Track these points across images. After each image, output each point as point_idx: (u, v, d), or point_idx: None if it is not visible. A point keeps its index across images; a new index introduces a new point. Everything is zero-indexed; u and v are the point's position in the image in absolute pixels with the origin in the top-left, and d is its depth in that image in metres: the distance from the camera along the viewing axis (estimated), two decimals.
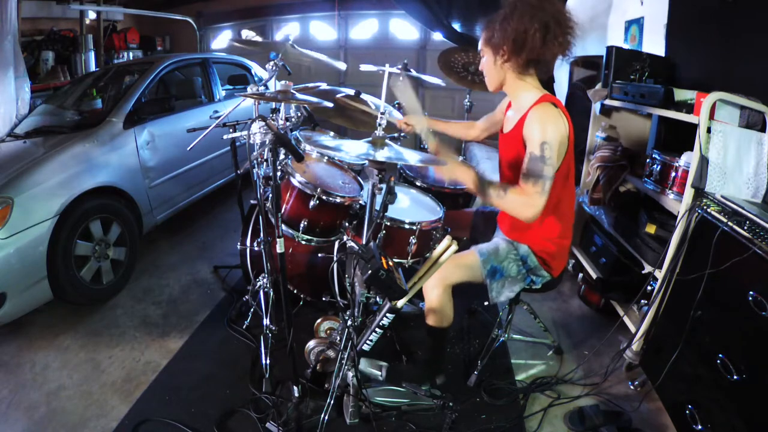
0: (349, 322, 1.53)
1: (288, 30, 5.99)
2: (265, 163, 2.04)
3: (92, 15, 5.17)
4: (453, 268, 1.62)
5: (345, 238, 1.94)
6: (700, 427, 1.43)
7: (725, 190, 1.61)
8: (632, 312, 2.06)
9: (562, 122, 1.46)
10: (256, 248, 2.16)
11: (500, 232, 1.80)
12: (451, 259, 1.51)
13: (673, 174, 1.86)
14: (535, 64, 1.50)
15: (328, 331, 1.99)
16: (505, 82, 1.58)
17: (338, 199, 1.92)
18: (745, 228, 1.35)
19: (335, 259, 1.91)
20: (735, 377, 1.31)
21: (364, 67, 2.25)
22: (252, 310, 2.21)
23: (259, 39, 5.97)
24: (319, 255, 2.19)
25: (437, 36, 4.69)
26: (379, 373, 1.71)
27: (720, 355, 1.37)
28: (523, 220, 1.45)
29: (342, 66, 2.49)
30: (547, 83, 3.15)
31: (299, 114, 2.35)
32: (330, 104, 2.03)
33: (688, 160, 1.75)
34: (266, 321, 1.95)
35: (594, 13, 3.26)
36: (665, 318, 1.73)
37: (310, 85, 2.49)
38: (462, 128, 2.08)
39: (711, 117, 1.61)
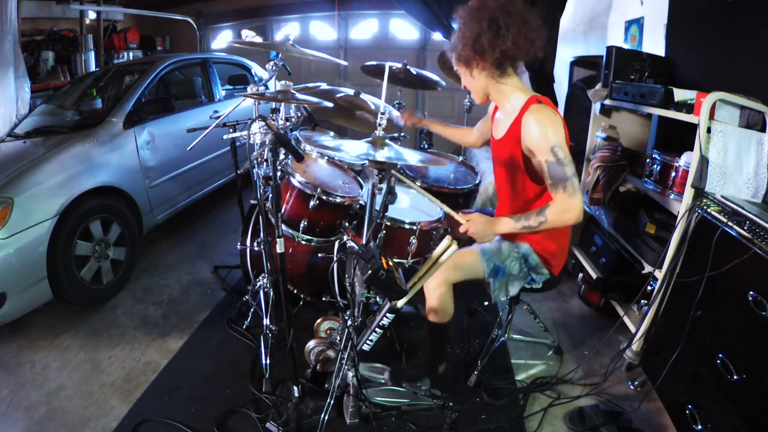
0: (349, 322, 1.53)
1: (288, 30, 5.99)
2: (265, 163, 2.04)
3: (92, 15, 5.17)
4: (454, 266, 1.62)
5: (345, 238, 1.94)
6: (700, 427, 1.43)
7: (725, 190, 1.61)
8: (632, 312, 2.06)
9: (558, 120, 1.48)
10: (256, 248, 2.16)
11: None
12: (452, 257, 1.51)
13: (673, 174, 1.86)
14: (508, 61, 1.50)
15: (328, 331, 1.99)
16: (489, 91, 1.59)
17: (338, 199, 1.92)
18: (745, 228, 1.35)
19: (335, 259, 1.91)
20: (735, 377, 1.31)
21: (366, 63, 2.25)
22: (252, 310, 2.21)
23: (259, 39, 5.98)
24: (319, 255, 2.19)
25: (437, 36, 4.69)
26: (382, 376, 1.71)
27: (720, 355, 1.37)
28: (571, 224, 1.50)
29: (343, 63, 2.48)
30: (547, 83, 3.16)
31: (299, 114, 2.35)
32: (330, 104, 2.03)
33: (688, 160, 1.75)
34: (266, 321, 1.95)
35: (594, 13, 3.26)
36: (665, 318, 1.73)
37: (310, 85, 2.49)
38: (460, 134, 2.10)
39: (711, 117, 1.61)
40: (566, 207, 1.45)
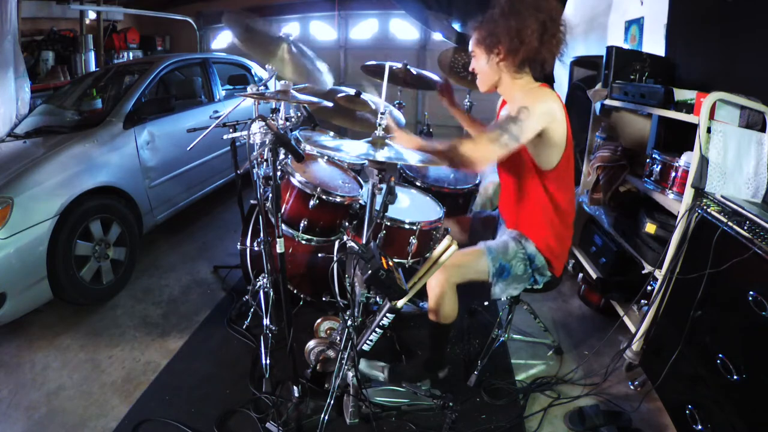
0: (349, 322, 1.53)
1: (288, 30, 5.98)
2: (265, 163, 2.04)
3: (92, 15, 5.18)
4: (458, 266, 1.61)
5: (345, 238, 1.94)
6: (700, 427, 1.43)
7: (725, 190, 1.61)
8: (632, 312, 2.06)
9: (552, 101, 1.46)
10: (256, 248, 2.16)
11: (505, 227, 1.80)
12: (457, 256, 1.51)
13: (673, 174, 1.86)
14: (531, 62, 1.50)
15: (328, 331, 1.99)
16: (500, 82, 1.57)
17: (338, 199, 1.92)
18: (745, 228, 1.35)
19: (335, 259, 1.91)
20: (735, 377, 1.31)
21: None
22: (252, 310, 2.21)
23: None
24: (319, 255, 2.19)
25: (437, 36, 4.70)
26: (381, 374, 1.71)
27: (720, 355, 1.37)
28: (469, 165, 1.37)
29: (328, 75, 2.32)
30: (547, 83, 3.16)
31: (299, 114, 2.35)
32: (330, 104, 2.03)
33: (688, 160, 1.75)
34: (266, 321, 1.95)
35: (594, 13, 3.26)
36: (665, 318, 1.73)
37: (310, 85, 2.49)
38: (480, 130, 2.05)
39: (711, 117, 1.61)
40: (479, 147, 1.38)
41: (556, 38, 1.44)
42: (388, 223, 1.75)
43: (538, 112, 1.41)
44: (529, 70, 1.54)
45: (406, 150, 1.46)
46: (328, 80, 2.12)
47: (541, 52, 1.45)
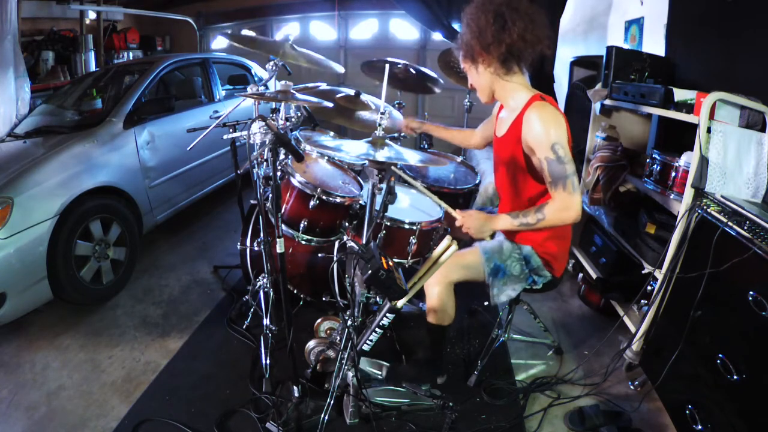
0: (349, 322, 1.53)
1: (288, 30, 5.99)
2: (265, 163, 2.04)
3: (92, 15, 5.17)
4: (455, 265, 1.62)
5: (345, 238, 1.94)
6: (700, 427, 1.43)
7: (725, 190, 1.61)
8: (632, 312, 2.06)
9: (560, 119, 1.48)
10: (256, 248, 2.16)
11: (500, 234, 1.80)
12: (453, 256, 1.51)
13: (673, 174, 1.86)
14: (513, 58, 1.50)
15: (328, 331, 1.99)
16: (494, 88, 1.59)
17: (338, 199, 1.92)
18: (745, 228, 1.35)
19: (335, 259, 1.91)
20: (735, 377, 1.31)
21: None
22: (252, 310, 2.21)
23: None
24: (319, 255, 2.19)
25: (437, 36, 4.70)
26: (380, 372, 1.71)
27: (720, 355, 1.37)
28: (570, 223, 1.52)
29: (340, 69, 2.41)
30: (548, 83, 3.16)
31: (299, 114, 2.35)
32: (330, 104, 2.03)
33: (688, 160, 1.75)
34: (266, 321, 1.95)
35: (594, 13, 3.27)
36: (665, 318, 1.73)
37: (310, 85, 2.49)
38: (462, 136, 2.08)
39: (711, 117, 1.61)
40: (565, 205, 1.45)
41: (519, 25, 1.43)
42: (388, 223, 1.75)
43: (564, 140, 1.45)
44: (517, 69, 1.55)
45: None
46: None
47: (513, 42, 1.45)
